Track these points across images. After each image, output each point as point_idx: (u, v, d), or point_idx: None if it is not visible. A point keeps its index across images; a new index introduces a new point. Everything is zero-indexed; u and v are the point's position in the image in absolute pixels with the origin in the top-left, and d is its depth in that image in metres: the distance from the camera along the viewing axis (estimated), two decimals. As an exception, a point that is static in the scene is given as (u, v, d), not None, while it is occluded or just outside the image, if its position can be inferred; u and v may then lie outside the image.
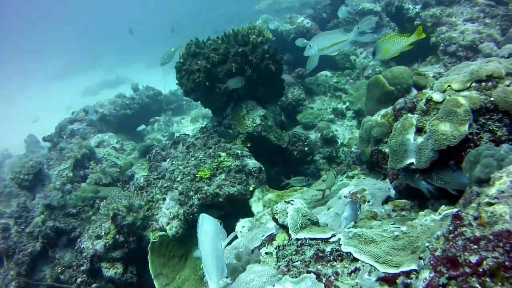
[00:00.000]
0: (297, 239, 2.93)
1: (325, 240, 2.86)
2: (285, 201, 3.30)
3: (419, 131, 3.50)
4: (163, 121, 10.34)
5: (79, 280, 5.61)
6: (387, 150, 4.54)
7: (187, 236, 5.27)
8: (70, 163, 7.20)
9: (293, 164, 6.75)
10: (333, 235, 2.90)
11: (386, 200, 3.93)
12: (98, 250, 5.32)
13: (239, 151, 5.58)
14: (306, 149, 6.75)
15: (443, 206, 2.89)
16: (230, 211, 5.26)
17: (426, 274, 2.25)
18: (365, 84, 7.93)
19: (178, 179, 5.30)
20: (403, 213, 3.72)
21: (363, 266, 2.53)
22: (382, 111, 4.81)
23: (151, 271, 5.12)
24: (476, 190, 2.65)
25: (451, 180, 3.20)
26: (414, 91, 5.64)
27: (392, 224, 3.03)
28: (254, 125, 6.02)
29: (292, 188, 5.38)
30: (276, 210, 3.17)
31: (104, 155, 7.64)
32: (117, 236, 5.23)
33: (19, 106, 23.14)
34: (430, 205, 3.88)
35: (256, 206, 5.21)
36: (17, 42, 36.18)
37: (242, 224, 4.96)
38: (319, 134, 7.39)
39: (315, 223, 3.16)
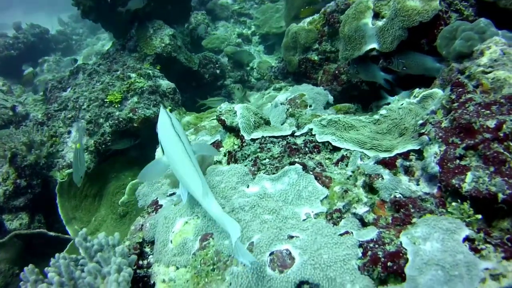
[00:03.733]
0: (253, 140, 2.32)
1: (288, 137, 2.29)
2: (228, 102, 2.70)
3: (375, 16, 3.02)
4: (53, 60, 9.06)
5: (-25, 239, 4.68)
6: (316, 58, 4.18)
7: (100, 171, 4.51)
8: (-51, 110, 6.00)
9: (205, 88, 6.05)
10: (294, 132, 2.34)
11: (326, 106, 3.45)
12: (-4, 200, 4.42)
13: (150, 71, 4.80)
14: (217, 71, 6.09)
15: (417, 88, 2.52)
16: (147, 138, 4.54)
17: (435, 149, 1.78)
18: (271, 7, 7.45)
19: (84, 106, 4.44)
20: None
21: (350, 153, 1.99)
22: (308, 19, 4.38)
23: (62, 217, 4.35)
24: (456, 66, 2.35)
25: (415, 64, 2.76)
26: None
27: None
28: (163, 45, 5.23)
29: (211, 110, 4.73)
30: (221, 111, 2.54)
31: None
32: (18, 181, 4.33)
33: None
34: (374, 107, 3.56)
35: (174, 129, 4.51)
36: None
37: (164, 149, 4.29)
38: (227, 59, 6.75)
39: (268, 123, 2.58)
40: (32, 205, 4.49)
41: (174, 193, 2.34)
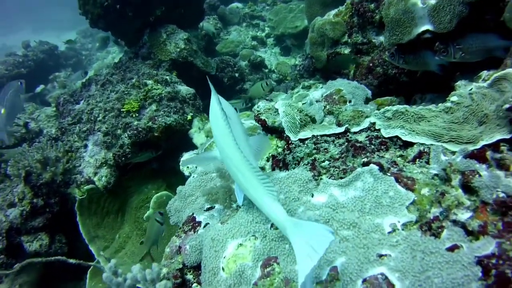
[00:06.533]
0: (301, 141, 1.97)
1: (342, 134, 1.94)
2: (265, 99, 2.36)
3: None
4: (64, 76, 8.77)
5: (-4, 263, 4.36)
6: (347, 52, 3.83)
7: (121, 185, 4.19)
8: (-40, 129, 5.72)
9: (224, 93, 5.72)
10: (348, 129, 1.98)
11: (366, 101, 3.10)
12: (14, 222, 4.09)
13: (167, 77, 4.47)
14: (236, 75, 5.76)
15: (485, 71, 2.11)
16: (168, 148, 4.22)
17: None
18: (284, 8, 7.15)
19: (100, 118, 4.12)
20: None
21: (428, 148, 1.63)
22: (333, 11, 4.03)
23: (83, 235, 4.03)
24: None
25: (476, 46, 2.36)
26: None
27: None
28: (178, 49, 4.91)
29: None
30: (259, 110, 2.19)
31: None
32: (34, 200, 4.01)
33: None
34: (417, 98, 3.21)
35: (198, 137, 4.19)
36: None
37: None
38: (245, 62, 6.41)
39: (314, 120, 2.24)
40: (52, 225, 4.17)
41: (212, 207, 1.98)
